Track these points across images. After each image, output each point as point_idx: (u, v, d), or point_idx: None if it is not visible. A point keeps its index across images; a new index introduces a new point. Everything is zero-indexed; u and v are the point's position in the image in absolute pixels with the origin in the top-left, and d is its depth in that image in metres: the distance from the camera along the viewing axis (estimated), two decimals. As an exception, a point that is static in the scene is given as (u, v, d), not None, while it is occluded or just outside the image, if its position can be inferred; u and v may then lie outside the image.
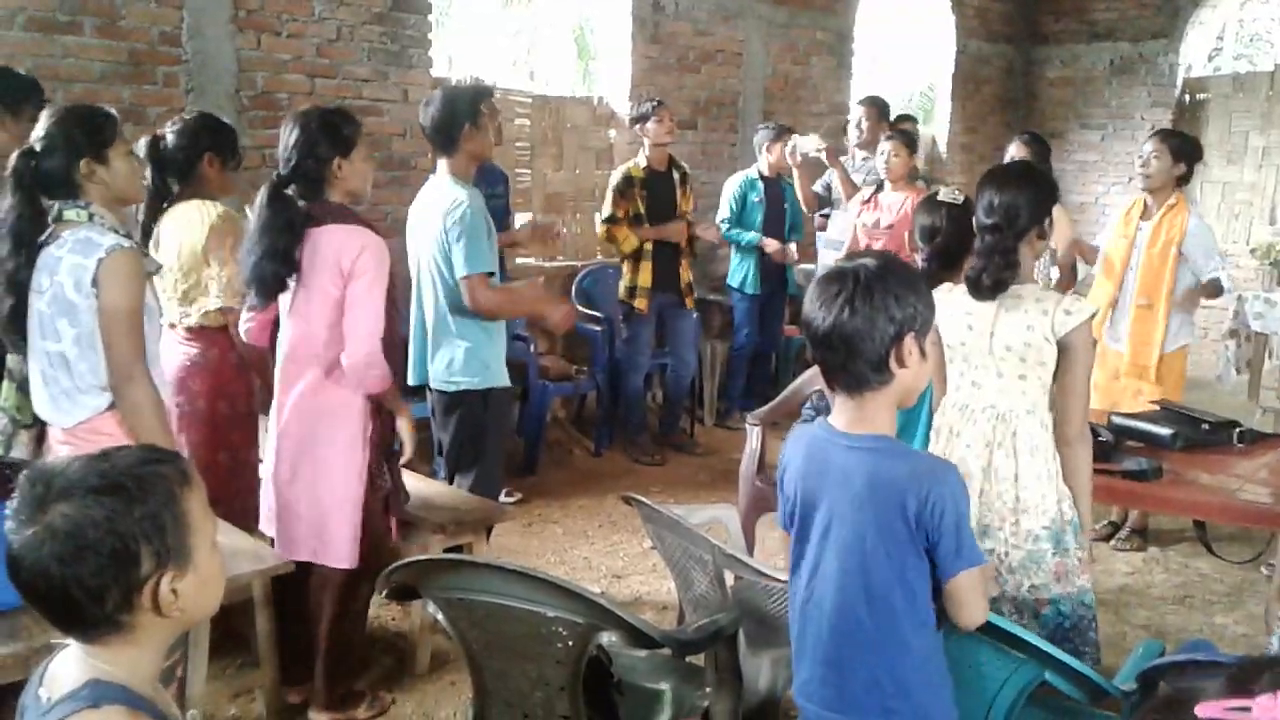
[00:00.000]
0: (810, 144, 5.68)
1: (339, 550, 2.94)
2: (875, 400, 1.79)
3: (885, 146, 5.42)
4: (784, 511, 1.96)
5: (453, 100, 3.55)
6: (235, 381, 3.37)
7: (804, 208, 6.12)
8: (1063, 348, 2.58)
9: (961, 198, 3.05)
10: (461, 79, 5.68)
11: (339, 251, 2.83)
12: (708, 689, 2.54)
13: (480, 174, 4.42)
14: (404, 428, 3.06)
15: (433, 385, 3.62)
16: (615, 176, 5.58)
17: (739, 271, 6.19)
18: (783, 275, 6.25)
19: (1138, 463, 3.19)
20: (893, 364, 1.74)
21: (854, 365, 1.74)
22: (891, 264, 1.80)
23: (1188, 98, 8.53)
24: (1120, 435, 3.41)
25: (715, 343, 6.43)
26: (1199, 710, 0.91)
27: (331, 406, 2.91)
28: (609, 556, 4.32)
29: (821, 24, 7.64)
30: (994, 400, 2.67)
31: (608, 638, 2.26)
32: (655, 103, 5.55)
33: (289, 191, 2.87)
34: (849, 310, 1.72)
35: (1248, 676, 0.94)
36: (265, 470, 3.06)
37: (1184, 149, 4.42)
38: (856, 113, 6.11)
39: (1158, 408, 3.71)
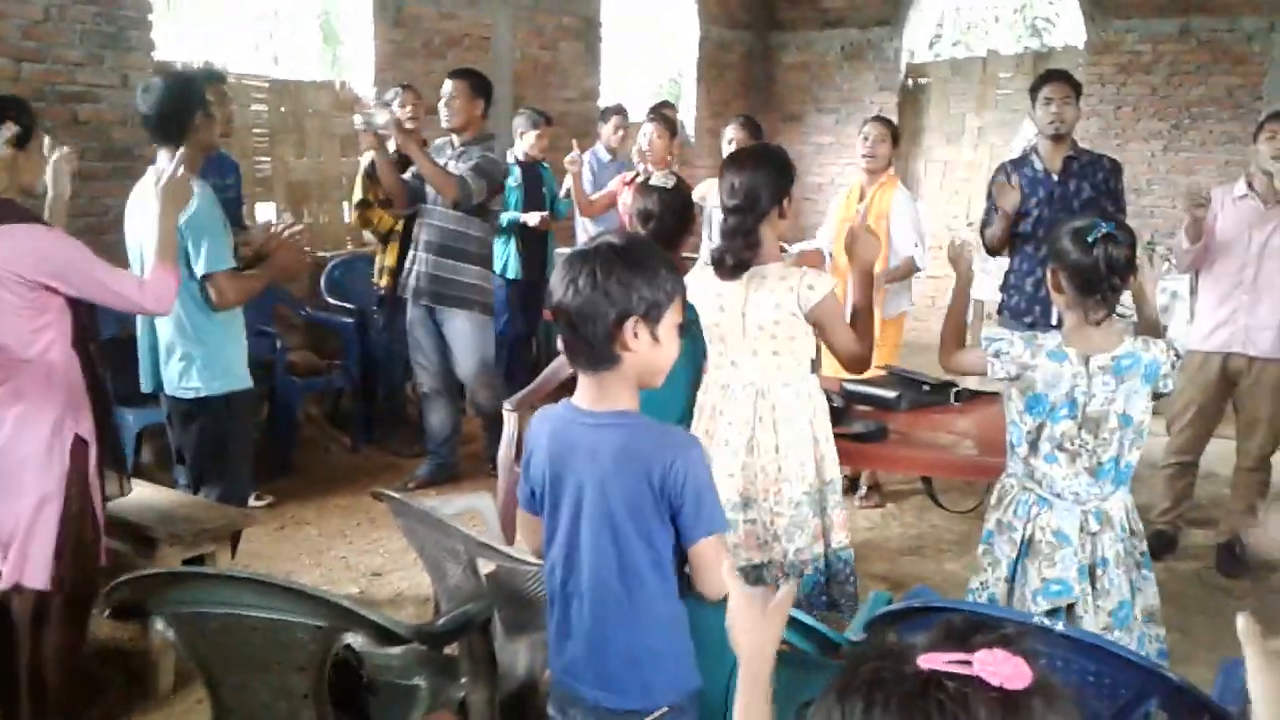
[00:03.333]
0: (381, 119, 4.67)
1: (40, 570, 2.72)
2: (612, 378, 1.81)
3: (647, 128, 5.51)
4: (526, 494, 1.97)
5: (180, 87, 3.34)
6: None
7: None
8: (813, 320, 2.72)
9: (673, 181, 3.16)
10: (188, 63, 5.37)
11: (15, 258, 2.61)
12: (464, 679, 2.53)
13: (209, 164, 4.19)
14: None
15: (169, 392, 3.41)
16: (364, 161, 5.44)
17: (498, 256, 6.14)
18: (543, 260, 6.25)
19: (866, 425, 3.40)
20: (616, 347, 1.76)
21: (581, 345, 1.78)
22: (627, 247, 1.81)
23: (911, 82, 9.12)
24: (850, 400, 3.62)
25: (474, 330, 6.36)
26: (922, 661, 0.91)
27: (21, 419, 2.69)
28: (368, 555, 4.22)
29: (567, 9, 7.68)
30: (753, 378, 2.80)
31: (354, 638, 2.21)
32: (401, 86, 5.44)
33: None
34: (573, 291, 1.75)
35: (963, 634, 0.96)
36: None
37: (898, 134, 4.81)
38: (447, 88, 4.85)
39: (885, 373, 3.96)
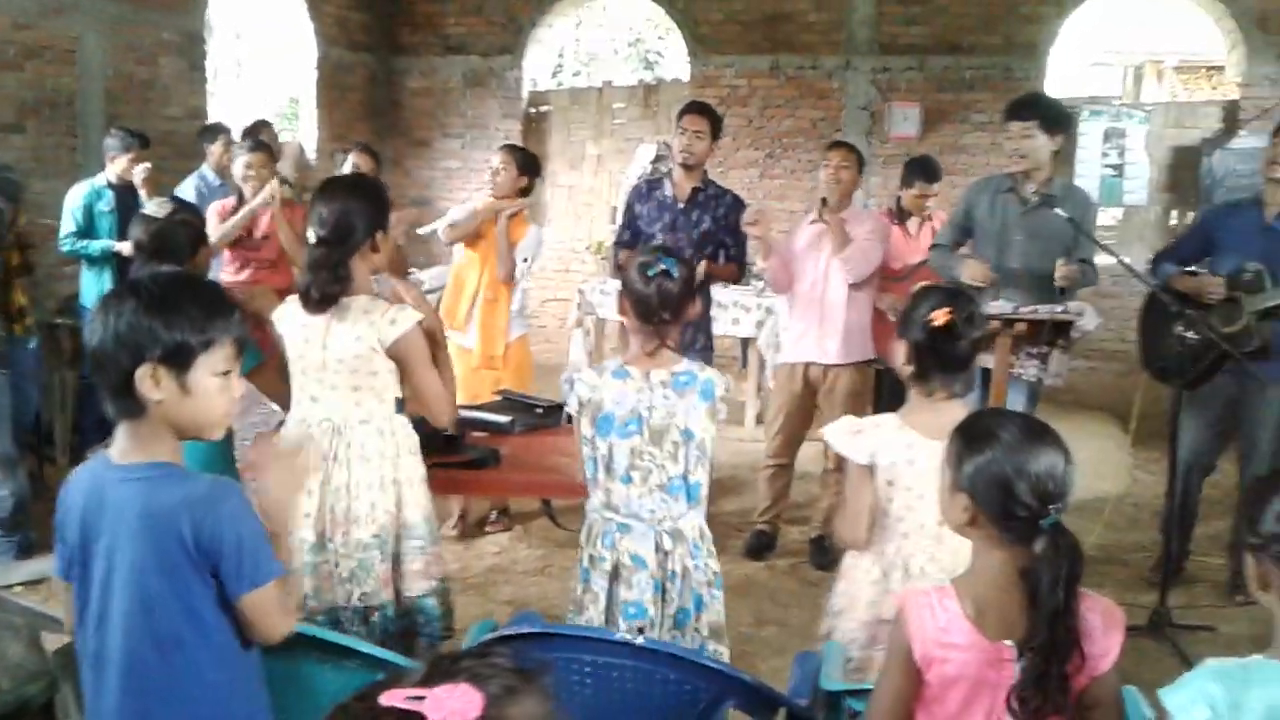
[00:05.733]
0: None
1: None
2: (143, 428, 1.68)
3: (248, 157, 5.26)
4: (61, 559, 1.78)
5: None
6: None
7: None
8: (396, 356, 2.67)
9: (168, 209, 3.08)
10: None
11: None
12: (25, 770, 2.26)
13: None
14: None
15: None
16: None
17: (94, 287, 5.64)
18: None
19: (479, 451, 3.40)
20: (137, 395, 1.63)
21: (106, 390, 1.65)
22: (154, 285, 1.69)
23: (533, 110, 9.33)
24: (465, 426, 3.60)
25: (66, 371, 5.78)
26: (382, 699, 0.95)
27: None
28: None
29: (166, 23, 7.18)
30: (330, 413, 2.71)
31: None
32: None
33: None
34: (94, 332, 1.64)
35: (435, 673, 1.00)
36: None
37: (528, 163, 4.86)
38: None
39: (500, 397, 3.99)
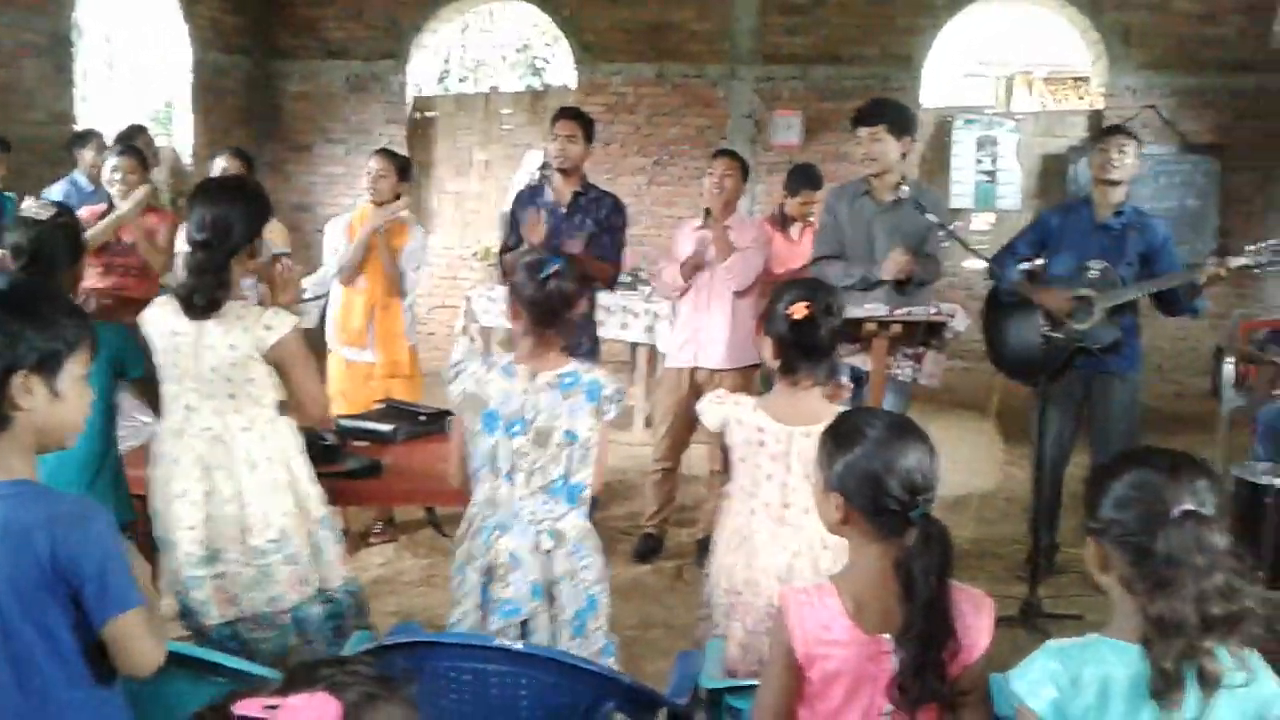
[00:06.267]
0: None
1: None
2: (6, 443, 1.63)
3: (116, 161, 5.05)
4: None
5: None
6: None
7: None
8: (272, 361, 2.63)
9: (49, 213, 3.00)
10: None
11: None
12: None
13: None
14: None
15: None
16: None
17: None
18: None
19: (359, 461, 3.35)
20: (5, 407, 1.59)
21: None
22: (13, 292, 1.69)
23: (418, 115, 9.23)
24: (346, 436, 3.55)
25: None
26: (236, 708, 0.94)
27: None
28: None
29: (29, 24, 6.89)
30: (209, 422, 2.66)
31: None
32: None
33: None
34: None
35: (293, 682, 1.00)
36: None
37: (405, 167, 4.83)
38: None
39: (383, 406, 3.94)
